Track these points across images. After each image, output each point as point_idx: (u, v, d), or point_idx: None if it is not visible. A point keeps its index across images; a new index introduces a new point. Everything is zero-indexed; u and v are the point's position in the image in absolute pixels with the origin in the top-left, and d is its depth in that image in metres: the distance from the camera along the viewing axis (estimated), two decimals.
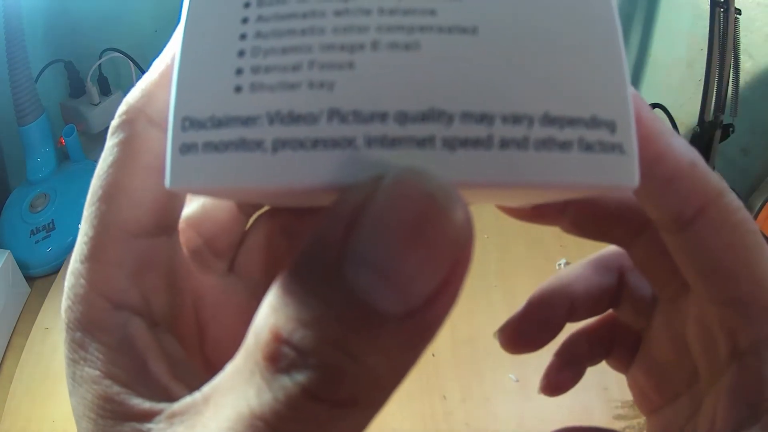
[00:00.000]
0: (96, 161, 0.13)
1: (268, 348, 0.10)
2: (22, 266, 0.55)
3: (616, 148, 0.11)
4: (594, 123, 0.11)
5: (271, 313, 0.11)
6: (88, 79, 0.65)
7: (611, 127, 0.11)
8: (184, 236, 0.16)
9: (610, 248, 0.21)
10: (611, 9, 0.12)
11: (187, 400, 0.12)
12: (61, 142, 0.63)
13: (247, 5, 0.12)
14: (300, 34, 0.11)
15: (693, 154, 0.14)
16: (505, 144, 0.11)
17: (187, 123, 0.11)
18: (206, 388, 0.12)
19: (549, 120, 0.11)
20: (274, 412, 0.10)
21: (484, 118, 0.11)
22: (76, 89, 0.67)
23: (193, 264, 0.16)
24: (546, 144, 0.11)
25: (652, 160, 0.12)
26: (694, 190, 0.14)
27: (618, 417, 0.44)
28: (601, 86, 0.11)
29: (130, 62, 0.68)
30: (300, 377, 0.10)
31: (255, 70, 0.11)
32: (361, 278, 0.10)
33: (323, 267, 0.10)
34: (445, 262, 0.10)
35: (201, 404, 0.12)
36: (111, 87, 0.68)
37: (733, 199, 0.14)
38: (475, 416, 0.44)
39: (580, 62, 0.11)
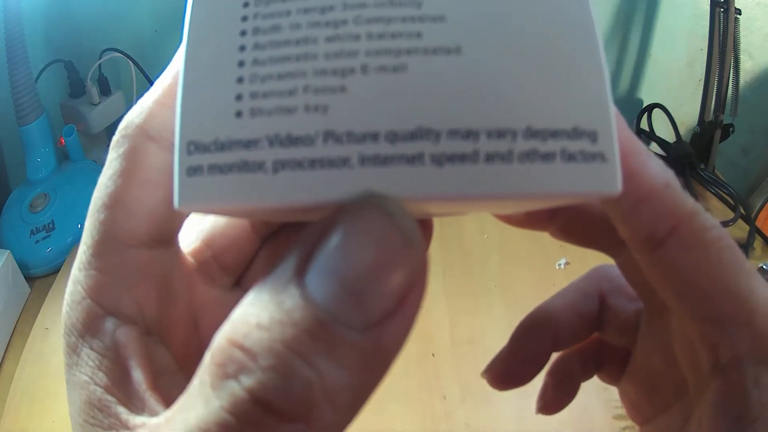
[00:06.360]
0: (96, 161, 0.14)
1: (220, 354, 0.10)
2: (22, 266, 0.55)
3: (598, 156, 0.12)
4: (576, 134, 0.12)
5: (228, 323, 0.11)
6: (88, 79, 0.65)
7: (593, 137, 0.12)
8: (194, 248, 0.17)
9: (587, 274, 0.21)
10: (591, 21, 0.12)
11: (160, 419, 0.12)
12: (61, 142, 0.63)
13: (243, 33, 0.12)
14: (294, 60, 0.12)
15: (668, 175, 0.14)
16: (490, 158, 0.11)
17: (192, 147, 0.12)
18: (171, 408, 0.12)
19: (532, 133, 0.12)
20: (218, 421, 0.10)
21: (470, 134, 0.11)
22: (76, 89, 0.67)
23: (199, 276, 0.17)
24: (529, 156, 0.11)
25: (627, 178, 0.12)
26: (667, 209, 0.14)
27: (618, 417, 0.44)
28: (582, 99, 0.12)
29: (130, 62, 0.68)
30: (248, 380, 0.10)
31: (254, 95, 0.12)
32: (322, 288, 0.10)
33: (285, 277, 0.10)
34: (403, 282, 0.11)
35: (163, 424, 0.11)
36: (111, 87, 0.68)
37: (708, 219, 0.14)
38: (475, 416, 0.44)
39: (561, 76, 0.12)
